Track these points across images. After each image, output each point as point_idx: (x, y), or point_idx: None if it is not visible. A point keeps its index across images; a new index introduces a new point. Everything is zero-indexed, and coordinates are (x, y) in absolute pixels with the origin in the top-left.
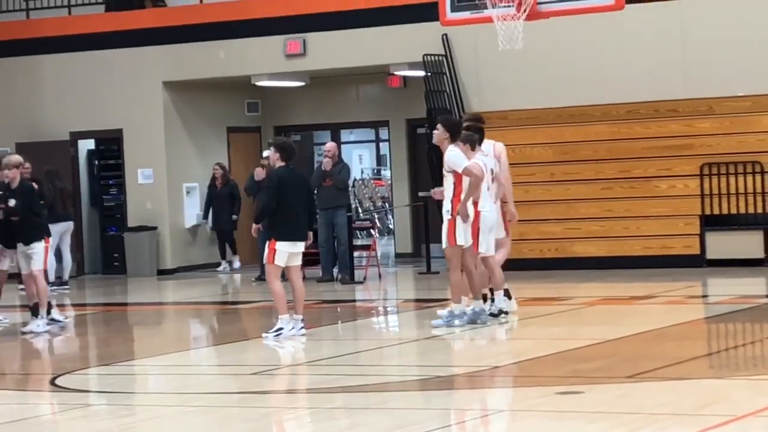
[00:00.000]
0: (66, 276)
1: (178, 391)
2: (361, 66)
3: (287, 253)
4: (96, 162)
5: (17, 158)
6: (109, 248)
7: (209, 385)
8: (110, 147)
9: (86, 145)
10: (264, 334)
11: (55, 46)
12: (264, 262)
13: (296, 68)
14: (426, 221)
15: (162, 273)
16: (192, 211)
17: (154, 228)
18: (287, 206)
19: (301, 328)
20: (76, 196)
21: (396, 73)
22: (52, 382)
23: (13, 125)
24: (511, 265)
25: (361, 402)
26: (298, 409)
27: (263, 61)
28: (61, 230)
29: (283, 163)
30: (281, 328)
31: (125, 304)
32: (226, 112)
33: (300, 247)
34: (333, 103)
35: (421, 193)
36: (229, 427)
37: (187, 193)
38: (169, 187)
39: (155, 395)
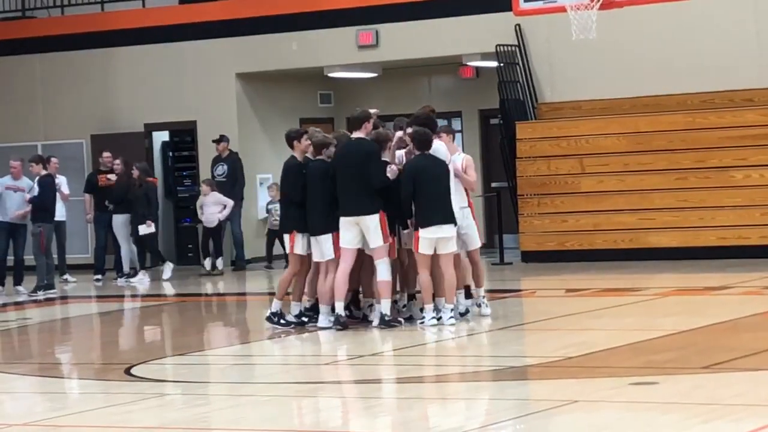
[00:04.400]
0: (126, 267)
1: (251, 381)
2: (433, 57)
3: (432, 239)
4: (170, 154)
5: None
6: (183, 239)
7: (282, 375)
8: (184, 138)
9: (161, 136)
10: (419, 322)
11: (130, 38)
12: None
13: (369, 59)
14: (499, 212)
15: (234, 264)
16: (265, 202)
17: (228, 219)
18: (425, 194)
19: (450, 318)
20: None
21: (468, 63)
22: (128, 372)
23: (88, 117)
24: (585, 257)
25: (434, 393)
26: (371, 399)
27: (336, 52)
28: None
29: (418, 152)
30: (424, 317)
31: (199, 295)
32: (299, 103)
33: (446, 231)
34: (405, 94)
35: (494, 184)
36: (301, 418)
37: (261, 184)
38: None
39: (229, 385)
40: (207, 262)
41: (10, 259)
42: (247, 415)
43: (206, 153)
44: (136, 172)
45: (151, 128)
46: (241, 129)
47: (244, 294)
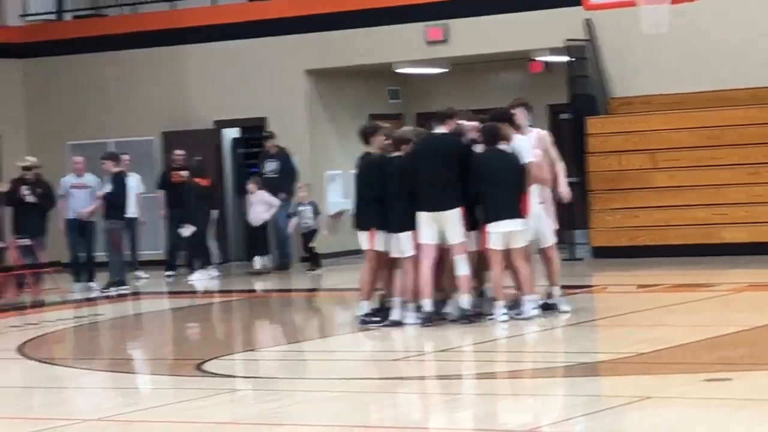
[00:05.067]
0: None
1: (322, 376)
2: (502, 52)
3: (501, 234)
4: (240, 150)
5: None
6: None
7: (353, 371)
8: (254, 135)
9: (231, 133)
10: (501, 314)
11: (199, 36)
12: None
13: (437, 55)
14: (570, 207)
15: (307, 259)
16: (335, 198)
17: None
18: (492, 188)
19: (534, 308)
20: (221, 183)
21: (538, 58)
22: (199, 368)
23: (159, 115)
24: (657, 252)
25: (505, 388)
26: (444, 395)
27: (404, 48)
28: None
29: (486, 146)
30: (492, 313)
31: (269, 291)
32: (368, 99)
33: (515, 225)
34: (474, 89)
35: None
36: (372, 413)
37: (330, 180)
38: (311, 175)
39: (300, 380)
40: (257, 261)
41: (82, 256)
42: (319, 411)
43: None
44: (186, 172)
45: (221, 125)
46: (310, 125)
47: (313, 290)
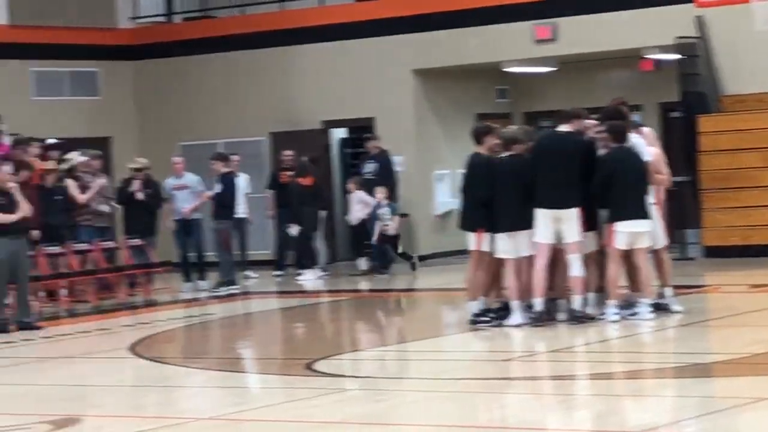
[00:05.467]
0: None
1: (431, 376)
2: (611, 50)
3: (628, 233)
4: (348, 150)
5: None
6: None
7: (462, 371)
8: (361, 135)
9: (339, 134)
10: (612, 314)
11: (308, 36)
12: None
13: (546, 54)
14: (680, 206)
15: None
16: (443, 197)
17: (406, 215)
18: (621, 187)
19: (649, 312)
20: (328, 183)
21: (648, 56)
22: (309, 367)
23: (268, 115)
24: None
25: (616, 389)
26: (550, 395)
27: (513, 47)
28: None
29: (615, 144)
30: (604, 312)
31: (378, 291)
32: (476, 98)
33: (642, 225)
34: (583, 88)
35: (674, 178)
36: (481, 414)
37: (438, 179)
38: (420, 174)
39: (408, 380)
40: (361, 262)
41: (191, 256)
42: (427, 411)
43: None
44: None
45: (329, 125)
46: (418, 125)
47: (420, 290)
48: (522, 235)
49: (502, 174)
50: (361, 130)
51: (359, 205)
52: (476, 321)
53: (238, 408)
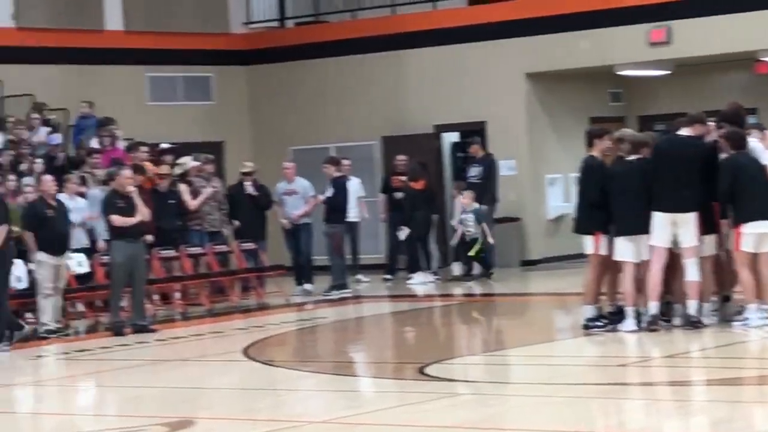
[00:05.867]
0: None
1: (544, 381)
2: (727, 53)
3: (755, 235)
4: (460, 155)
5: None
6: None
7: (576, 376)
8: (474, 139)
9: (450, 138)
10: (733, 323)
11: (419, 40)
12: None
13: (660, 56)
14: None
15: (526, 264)
16: (555, 202)
17: (518, 219)
18: (746, 190)
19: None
20: (439, 187)
21: (764, 59)
22: (421, 371)
23: (379, 119)
24: None
25: (735, 395)
26: (665, 401)
27: (626, 50)
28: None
29: (734, 151)
30: (748, 318)
31: (491, 295)
32: (589, 102)
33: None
34: (698, 91)
35: None
36: (597, 419)
37: (550, 183)
38: (531, 178)
39: (521, 385)
40: (456, 266)
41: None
42: (540, 416)
43: (496, 154)
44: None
45: (441, 129)
46: (530, 129)
47: (532, 294)
48: (643, 239)
49: (625, 177)
50: (472, 134)
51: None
52: (590, 326)
53: (350, 411)
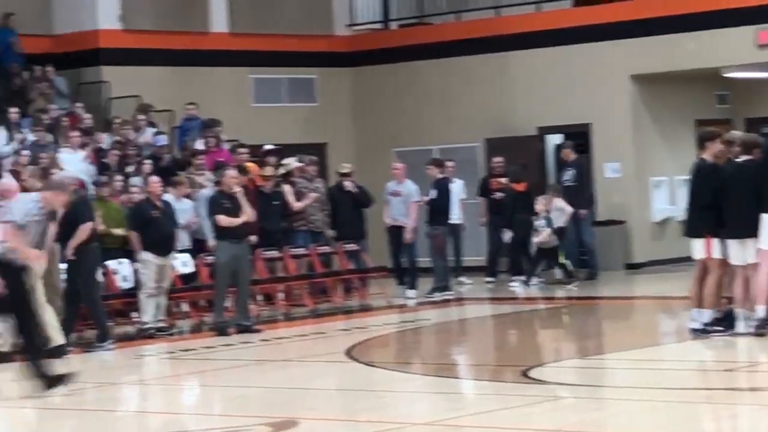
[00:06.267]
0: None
1: (650, 386)
2: None
3: None
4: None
5: None
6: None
7: (681, 381)
8: (577, 141)
9: (554, 140)
10: None
11: (524, 42)
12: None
13: None
14: None
15: (631, 267)
16: (660, 204)
17: (622, 222)
18: None
19: None
20: (542, 190)
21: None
22: (525, 374)
23: (483, 121)
24: None
25: None
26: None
27: (733, 52)
28: None
29: None
30: None
31: (595, 298)
32: (695, 104)
33: None
34: None
35: None
36: (698, 425)
37: (656, 186)
38: (636, 181)
39: (625, 389)
40: (558, 270)
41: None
42: (645, 421)
43: (600, 156)
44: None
45: (544, 131)
46: (635, 131)
47: (637, 297)
48: (751, 242)
49: (735, 179)
50: (576, 136)
51: (556, 212)
52: (697, 330)
53: (453, 414)
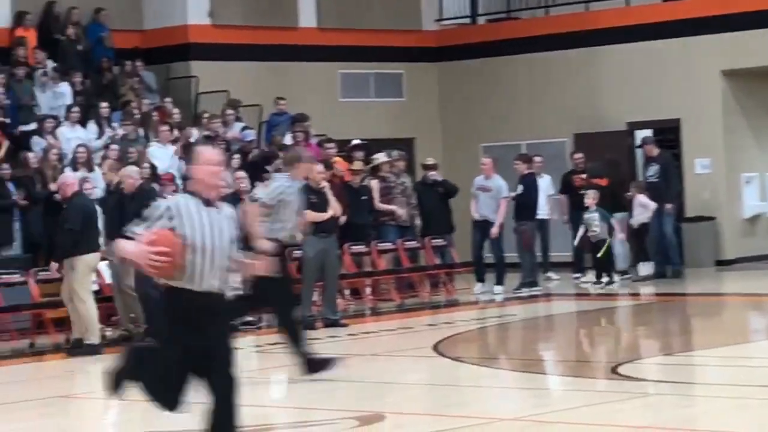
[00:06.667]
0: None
1: (741, 383)
2: None
3: None
4: None
5: None
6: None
7: None
8: (667, 137)
9: (643, 135)
10: None
11: (613, 37)
12: None
13: None
14: None
15: (721, 264)
16: (751, 201)
17: (712, 218)
18: None
19: None
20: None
21: None
22: (614, 371)
23: (572, 116)
24: None
25: None
26: None
27: None
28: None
29: None
30: None
31: (684, 295)
32: None
33: None
34: None
35: None
36: None
37: (746, 182)
38: (727, 177)
39: (716, 387)
40: (641, 267)
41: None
42: (736, 419)
43: (691, 152)
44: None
45: (633, 127)
46: (726, 127)
47: (727, 294)
48: None
49: None
50: (666, 131)
51: (640, 208)
52: None
53: (540, 410)
